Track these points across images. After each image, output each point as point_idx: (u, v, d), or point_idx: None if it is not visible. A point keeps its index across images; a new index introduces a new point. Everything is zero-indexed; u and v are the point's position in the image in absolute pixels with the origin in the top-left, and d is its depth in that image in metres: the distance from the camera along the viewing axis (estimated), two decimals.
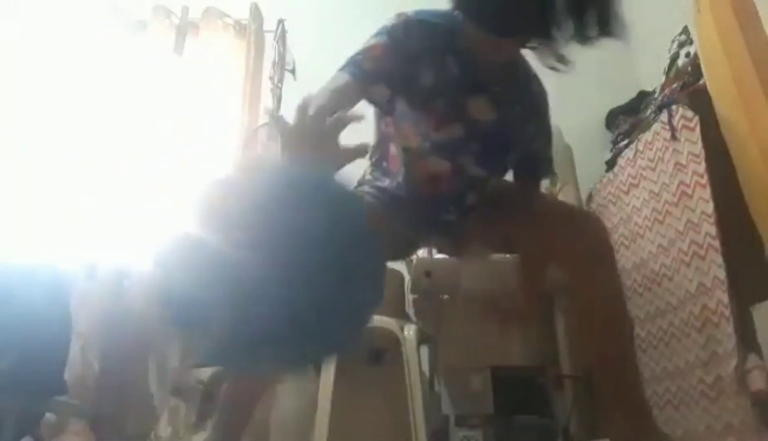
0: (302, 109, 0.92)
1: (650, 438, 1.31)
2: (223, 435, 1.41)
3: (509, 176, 1.53)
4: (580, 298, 1.41)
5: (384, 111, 1.42)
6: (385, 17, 1.35)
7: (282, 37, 2.78)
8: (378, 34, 1.30)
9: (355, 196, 0.96)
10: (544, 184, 2.38)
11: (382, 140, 1.49)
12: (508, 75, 1.34)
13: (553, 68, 1.19)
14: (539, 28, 1.14)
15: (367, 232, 0.88)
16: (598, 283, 1.34)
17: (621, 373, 1.36)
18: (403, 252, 1.74)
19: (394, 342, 1.97)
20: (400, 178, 1.42)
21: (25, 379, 1.58)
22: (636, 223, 2.16)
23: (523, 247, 1.50)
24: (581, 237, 1.34)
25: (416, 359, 1.99)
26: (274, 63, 2.79)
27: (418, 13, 1.32)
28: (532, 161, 1.49)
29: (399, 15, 1.31)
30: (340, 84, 1.21)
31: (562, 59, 1.17)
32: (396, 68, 1.27)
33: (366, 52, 1.26)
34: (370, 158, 1.52)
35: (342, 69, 1.25)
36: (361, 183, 1.52)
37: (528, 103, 1.41)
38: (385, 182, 1.47)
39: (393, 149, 1.44)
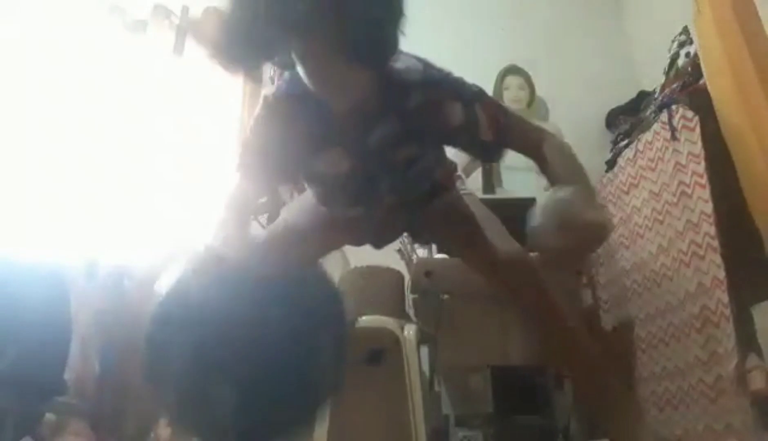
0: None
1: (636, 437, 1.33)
2: None
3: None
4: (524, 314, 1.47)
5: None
6: None
7: None
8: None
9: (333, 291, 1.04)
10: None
11: None
12: (368, 104, 1.20)
13: None
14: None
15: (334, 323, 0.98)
16: (531, 302, 1.39)
17: (592, 378, 1.39)
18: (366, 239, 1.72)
19: (394, 342, 1.97)
20: None
21: (25, 379, 1.58)
22: (636, 223, 2.16)
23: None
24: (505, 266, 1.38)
25: (416, 359, 1.99)
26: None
27: (276, 92, 1.28)
28: (478, 152, 1.40)
29: (263, 98, 1.31)
30: (233, 188, 1.33)
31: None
32: (270, 152, 1.31)
33: (242, 148, 1.35)
34: None
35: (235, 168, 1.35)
36: None
37: (422, 116, 1.22)
38: None
39: None
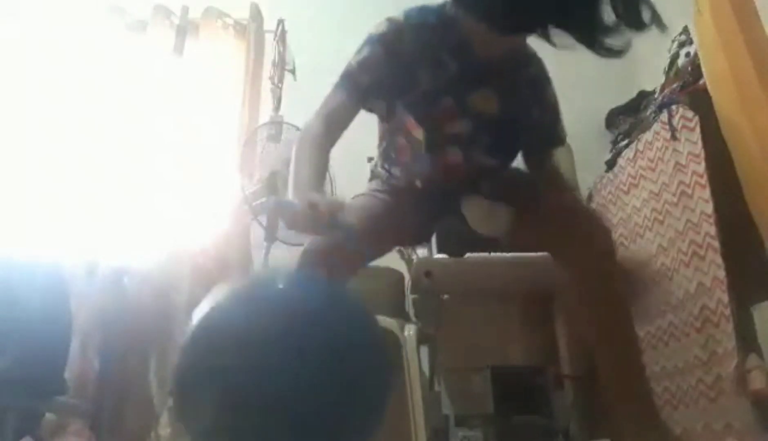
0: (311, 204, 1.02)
1: (657, 437, 1.30)
2: None
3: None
4: (582, 295, 1.40)
5: (383, 119, 1.45)
6: (385, 16, 1.35)
7: (282, 37, 2.78)
8: (370, 43, 1.30)
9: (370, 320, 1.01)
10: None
11: (389, 131, 1.48)
12: (507, 63, 1.34)
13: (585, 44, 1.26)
14: (545, 22, 1.17)
15: (379, 360, 0.94)
16: (601, 279, 1.33)
17: (625, 371, 1.35)
18: (415, 239, 1.73)
19: (394, 342, 1.97)
20: (412, 168, 1.43)
21: (25, 378, 1.58)
22: (636, 223, 2.16)
23: (526, 242, 1.51)
24: (583, 235, 1.34)
25: (416, 359, 1.99)
26: (274, 63, 2.79)
27: (408, 15, 1.32)
28: (540, 135, 1.48)
29: (390, 20, 1.31)
30: (335, 105, 1.27)
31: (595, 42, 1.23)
32: (392, 77, 1.30)
33: (360, 66, 1.29)
34: (378, 147, 1.53)
35: (338, 85, 1.29)
36: (373, 175, 1.54)
37: (530, 86, 1.41)
38: (396, 172, 1.47)
39: (401, 140, 1.44)
